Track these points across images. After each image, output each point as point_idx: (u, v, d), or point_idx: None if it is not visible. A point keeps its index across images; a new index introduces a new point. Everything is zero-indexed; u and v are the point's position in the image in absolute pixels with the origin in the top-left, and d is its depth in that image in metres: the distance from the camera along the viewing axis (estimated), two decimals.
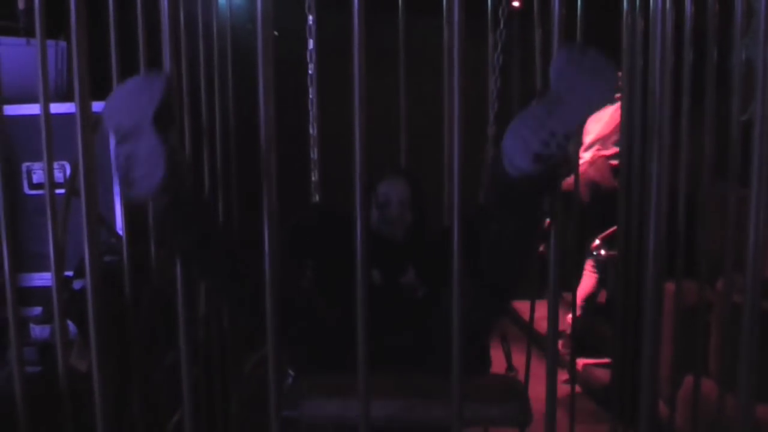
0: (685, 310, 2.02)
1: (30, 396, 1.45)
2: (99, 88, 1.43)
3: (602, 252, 3.47)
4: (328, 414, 1.58)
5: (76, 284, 2.03)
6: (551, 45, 1.23)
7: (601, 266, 3.49)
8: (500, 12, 2.68)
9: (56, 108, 1.57)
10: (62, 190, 1.75)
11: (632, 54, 2.22)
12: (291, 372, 1.83)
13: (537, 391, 1.60)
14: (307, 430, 1.59)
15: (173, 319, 1.46)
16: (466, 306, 1.19)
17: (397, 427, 1.58)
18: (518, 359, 2.06)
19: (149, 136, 1.28)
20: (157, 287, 1.89)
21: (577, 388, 2.57)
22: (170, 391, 1.83)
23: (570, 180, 2.26)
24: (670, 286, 2.00)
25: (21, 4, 2.86)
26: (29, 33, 2.80)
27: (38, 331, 2.07)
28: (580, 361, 3.25)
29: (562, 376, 2.68)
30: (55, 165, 1.98)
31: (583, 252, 3.51)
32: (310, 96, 2.69)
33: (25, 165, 2.78)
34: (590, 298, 3.55)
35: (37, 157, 2.66)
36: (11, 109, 2.50)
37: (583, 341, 3.47)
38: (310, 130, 2.74)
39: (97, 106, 1.37)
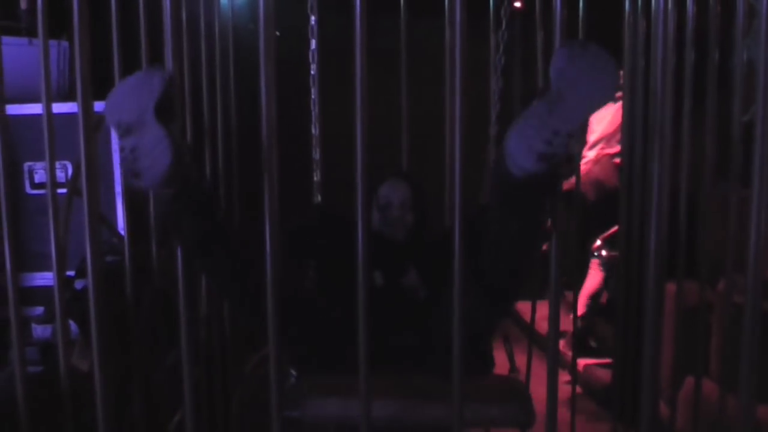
0: (686, 311, 2.02)
1: (31, 396, 1.45)
2: (101, 88, 1.43)
3: (603, 252, 3.46)
4: (330, 414, 1.58)
5: (78, 284, 2.03)
6: (553, 45, 1.23)
7: (607, 264, 3.48)
8: (502, 12, 2.68)
9: (58, 108, 1.57)
10: (64, 190, 1.75)
11: (634, 54, 2.22)
12: (293, 372, 1.83)
13: (538, 391, 1.60)
14: (308, 430, 1.60)
15: (174, 319, 1.46)
16: (467, 306, 1.19)
17: (398, 427, 1.59)
18: (520, 360, 2.06)
19: (152, 128, 1.27)
20: (158, 287, 1.89)
21: (578, 389, 2.57)
22: (171, 391, 1.83)
23: (572, 179, 2.26)
24: (671, 287, 2.00)
25: (23, 4, 2.87)
26: (31, 33, 2.80)
27: (40, 330, 2.07)
28: (581, 362, 3.24)
29: (564, 376, 2.68)
30: (57, 165, 1.99)
31: (585, 251, 3.50)
32: (312, 96, 2.69)
33: (27, 165, 2.79)
34: (596, 296, 3.53)
35: (39, 157, 2.67)
36: (13, 109, 2.50)
37: (584, 341, 3.48)
38: (312, 131, 2.75)
39: (99, 106, 1.37)
